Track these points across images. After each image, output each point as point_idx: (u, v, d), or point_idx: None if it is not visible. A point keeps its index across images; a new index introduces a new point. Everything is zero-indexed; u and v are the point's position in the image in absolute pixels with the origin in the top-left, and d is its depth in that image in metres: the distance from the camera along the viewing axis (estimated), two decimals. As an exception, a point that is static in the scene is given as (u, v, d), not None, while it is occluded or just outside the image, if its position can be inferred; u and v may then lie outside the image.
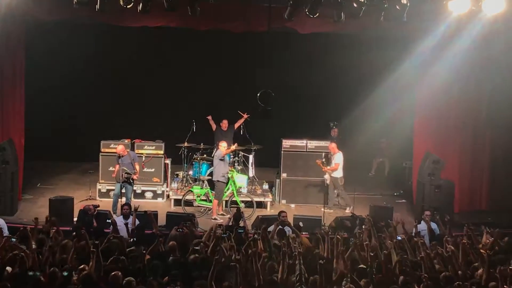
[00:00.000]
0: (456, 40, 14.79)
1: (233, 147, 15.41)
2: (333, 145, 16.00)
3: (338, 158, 15.69)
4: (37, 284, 8.07)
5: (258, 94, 14.59)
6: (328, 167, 15.72)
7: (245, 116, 16.51)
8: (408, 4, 12.98)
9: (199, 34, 16.18)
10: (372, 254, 9.71)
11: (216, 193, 14.64)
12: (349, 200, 15.61)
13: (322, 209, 15.10)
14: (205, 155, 15.96)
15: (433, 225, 12.96)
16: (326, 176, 15.65)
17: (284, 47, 17.16)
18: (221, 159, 14.82)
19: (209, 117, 16.48)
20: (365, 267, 9.05)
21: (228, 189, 15.05)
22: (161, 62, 18.07)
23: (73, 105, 18.02)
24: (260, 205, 15.51)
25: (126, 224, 12.17)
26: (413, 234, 11.90)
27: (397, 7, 13.14)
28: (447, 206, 14.83)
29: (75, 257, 9.40)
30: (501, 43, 15.10)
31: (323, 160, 15.90)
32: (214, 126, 16.58)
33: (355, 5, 13.16)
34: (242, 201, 15.25)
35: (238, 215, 12.85)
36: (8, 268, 8.34)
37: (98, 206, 13.53)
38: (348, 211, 15.46)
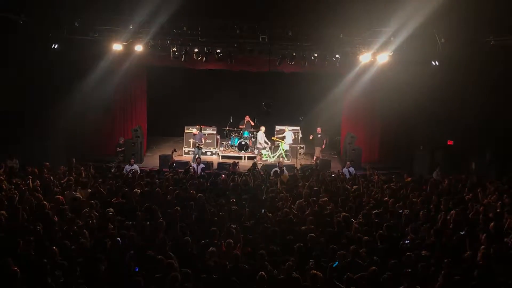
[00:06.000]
0: (362, 76, 20.24)
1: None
2: (286, 128, 21.02)
3: (286, 134, 20.97)
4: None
5: (263, 103, 18.29)
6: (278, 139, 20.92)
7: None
8: (340, 57, 18.54)
9: (234, 73, 21.00)
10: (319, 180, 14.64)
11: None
12: (290, 159, 20.43)
13: (296, 161, 20.24)
14: (236, 133, 21.70)
15: (351, 169, 17.60)
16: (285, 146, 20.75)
17: (276, 80, 21.25)
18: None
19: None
20: (317, 188, 13.51)
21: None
22: (214, 86, 22.99)
23: (170, 107, 23.29)
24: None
25: (198, 168, 17.06)
26: (340, 174, 16.42)
27: (334, 59, 18.61)
28: (358, 159, 20.37)
29: (172, 183, 13.88)
30: (386, 81, 20.35)
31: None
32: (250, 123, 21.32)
33: (312, 58, 18.44)
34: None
35: (233, 165, 17.31)
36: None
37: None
38: (287, 161, 20.26)
